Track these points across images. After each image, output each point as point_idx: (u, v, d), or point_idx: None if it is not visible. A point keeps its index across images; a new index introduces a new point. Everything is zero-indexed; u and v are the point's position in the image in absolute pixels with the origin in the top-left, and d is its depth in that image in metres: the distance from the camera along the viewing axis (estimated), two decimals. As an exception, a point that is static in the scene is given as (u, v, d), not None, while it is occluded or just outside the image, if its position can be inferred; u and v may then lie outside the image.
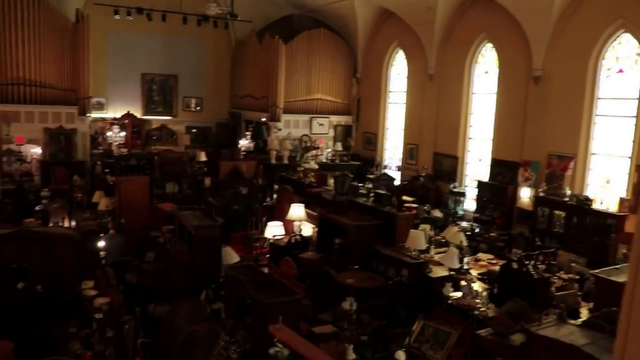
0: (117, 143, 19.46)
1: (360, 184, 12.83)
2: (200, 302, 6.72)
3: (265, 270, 9.15)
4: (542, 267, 9.23)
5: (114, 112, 20.43)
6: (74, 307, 8.24)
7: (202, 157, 16.58)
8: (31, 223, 9.35)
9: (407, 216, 10.82)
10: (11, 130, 16.64)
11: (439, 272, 9.50)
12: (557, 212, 12.08)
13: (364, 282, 9.26)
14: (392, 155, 19.26)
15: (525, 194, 13.10)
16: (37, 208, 12.86)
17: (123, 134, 20.05)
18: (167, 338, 4.75)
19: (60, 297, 8.62)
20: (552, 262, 9.77)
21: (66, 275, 8.79)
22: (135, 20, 18.05)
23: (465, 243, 10.63)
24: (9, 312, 8.59)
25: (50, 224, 11.24)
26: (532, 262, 9.06)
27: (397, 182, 16.77)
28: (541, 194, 12.57)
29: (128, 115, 20.47)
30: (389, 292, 9.27)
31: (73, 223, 11.75)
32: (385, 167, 19.22)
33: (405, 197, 11.99)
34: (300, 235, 11.51)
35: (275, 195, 14.58)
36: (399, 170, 18.32)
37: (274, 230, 11.71)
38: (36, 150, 17.45)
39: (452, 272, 9.45)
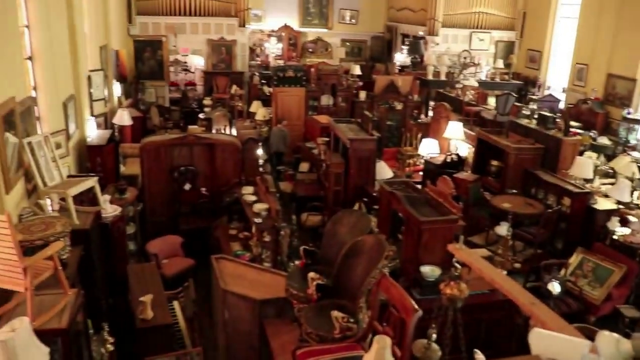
0: (273, 55, 19.84)
1: (522, 105, 12.00)
2: (365, 213, 6.74)
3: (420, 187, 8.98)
4: None
5: (272, 24, 20.70)
6: (234, 210, 8.70)
7: (357, 70, 16.39)
8: (196, 129, 9.85)
9: (574, 142, 10.02)
10: (177, 42, 17.54)
11: (604, 204, 8.80)
12: None
13: (521, 208, 8.83)
14: (557, 75, 17.74)
15: None
16: (200, 115, 13.56)
17: (280, 45, 20.36)
18: (330, 246, 4.79)
19: (222, 200, 9.14)
20: None
21: (228, 179, 9.25)
22: None
23: (638, 175, 9.67)
24: (178, 210, 9.32)
25: (213, 131, 11.82)
26: None
27: (561, 105, 15.50)
28: None
29: (285, 27, 20.71)
30: (547, 220, 8.77)
31: (234, 131, 12.27)
32: (548, 87, 17.81)
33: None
34: (457, 155, 11.13)
35: (430, 112, 14.14)
36: (563, 92, 16.89)
37: (428, 147, 11.40)
38: (199, 61, 18.33)
39: (621, 206, 8.67)
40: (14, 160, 5.61)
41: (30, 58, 7.10)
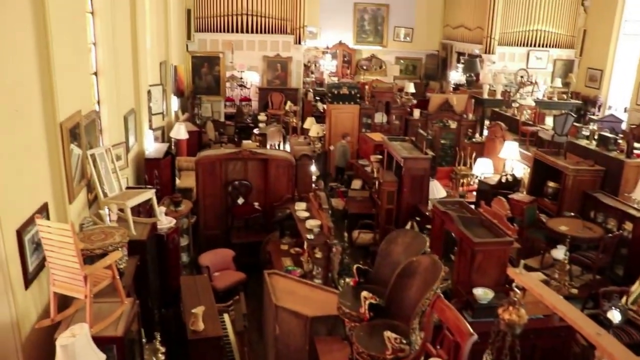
0: (328, 72, 19.98)
1: (581, 125, 11.68)
2: (420, 233, 6.68)
3: (473, 207, 8.83)
4: None
5: (326, 41, 20.89)
6: (286, 225, 8.76)
7: (411, 88, 16.33)
8: (250, 144, 10.00)
9: (638, 164, 9.65)
10: (234, 58, 17.90)
11: (671, 230, 8.40)
12: None
13: (579, 232, 8.56)
14: (620, 94, 17.21)
15: None
16: (255, 131, 13.75)
17: (334, 62, 20.51)
18: (383, 266, 4.75)
19: (274, 215, 9.22)
20: None
21: (281, 195, 9.33)
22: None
23: None
24: (231, 224, 9.44)
25: (268, 147, 11.96)
26: None
27: (623, 125, 15.01)
28: None
29: (339, 44, 20.87)
30: (607, 245, 8.45)
31: (287, 146, 12.39)
32: (609, 107, 17.30)
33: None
34: (512, 175, 10.90)
35: (485, 132, 13.93)
36: (625, 112, 16.36)
37: (483, 167, 11.22)
38: (255, 77, 18.64)
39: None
40: (78, 171, 5.81)
41: (95, 73, 7.37)
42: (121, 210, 6.28)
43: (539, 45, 18.87)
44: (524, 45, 18.83)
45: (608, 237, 8.46)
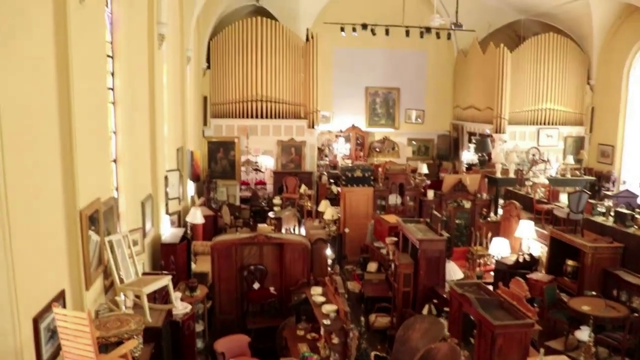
0: (341, 154, 20.29)
1: (596, 202, 11.65)
2: (437, 319, 6.58)
3: (491, 288, 8.70)
4: None
5: (339, 124, 21.34)
6: (302, 310, 8.65)
7: (424, 169, 16.50)
8: (265, 228, 10.06)
9: (658, 240, 9.55)
10: (249, 143, 18.30)
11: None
12: None
13: (603, 311, 8.35)
14: (633, 169, 17.23)
15: None
16: (270, 214, 13.84)
17: (347, 145, 20.87)
18: (401, 352, 4.66)
19: (290, 300, 9.13)
20: None
21: (296, 279, 9.28)
22: (359, 36, 18.62)
23: None
24: (246, 309, 9.34)
25: (283, 230, 12.00)
26: None
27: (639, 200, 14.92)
28: None
29: (352, 127, 21.31)
30: (633, 325, 8.21)
31: (303, 230, 12.41)
32: (623, 182, 17.28)
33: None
34: (529, 254, 10.79)
35: (500, 211, 13.91)
36: (640, 186, 16.32)
37: (499, 247, 11.14)
38: (269, 161, 18.96)
39: None
40: (95, 258, 5.86)
41: (115, 160, 7.57)
42: (137, 296, 6.28)
43: (548, 123, 19.13)
44: (534, 124, 19.09)
45: (634, 317, 8.25)
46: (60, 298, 4.83)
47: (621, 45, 17.60)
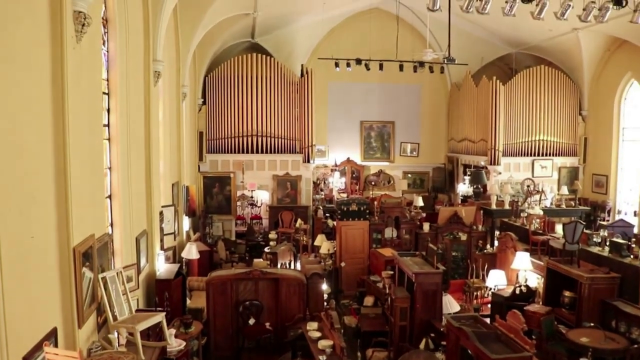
0: (337, 188, 20.33)
1: (591, 232, 11.64)
2: (432, 354, 6.53)
3: (488, 321, 8.64)
4: None
5: (335, 158, 21.44)
6: (298, 345, 8.56)
7: (419, 202, 16.51)
8: (261, 264, 10.02)
9: (654, 270, 9.52)
10: (245, 177, 18.35)
11: (697, 338, 8.14)
12: None
13: (602, 343, 8.27)
14: (628, 199, 17.30)
15: None
16: (266, 249, 13.79)
17: (343, 179, 20.93)
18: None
19: (286, 335, 9.04)
20: None
21: (292, 314, 9.21)
22: (353, 71, 18.83)
23: None
24: (242, 345, 9.24)
25: (279, 265, 11.95)
26: None
27: (635, 230, 14.94)
28: None
29: (347, 161, 21.42)
30: (633, 357, 8.14)
31: (298, 265, 12.37)
32: (618, 212, 17.33)
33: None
34: (526, 286, 10.74)
35: (496, 242, 13.89)
36: (635, 215, 16.37)
37: (495, 279, 11.09)
38: (265, 195, 18.98)
39: None
40: (89, 295, 5.82)
41: (109, 196, 7.58)
42: (131, 334, 6.22)
43: (542, 155, 19.28)
44: (528, 155, 19.24)
45: (634, 348, 8.18)
46: (51, 336, 4.77)
47: (611, 76, 17.89)
